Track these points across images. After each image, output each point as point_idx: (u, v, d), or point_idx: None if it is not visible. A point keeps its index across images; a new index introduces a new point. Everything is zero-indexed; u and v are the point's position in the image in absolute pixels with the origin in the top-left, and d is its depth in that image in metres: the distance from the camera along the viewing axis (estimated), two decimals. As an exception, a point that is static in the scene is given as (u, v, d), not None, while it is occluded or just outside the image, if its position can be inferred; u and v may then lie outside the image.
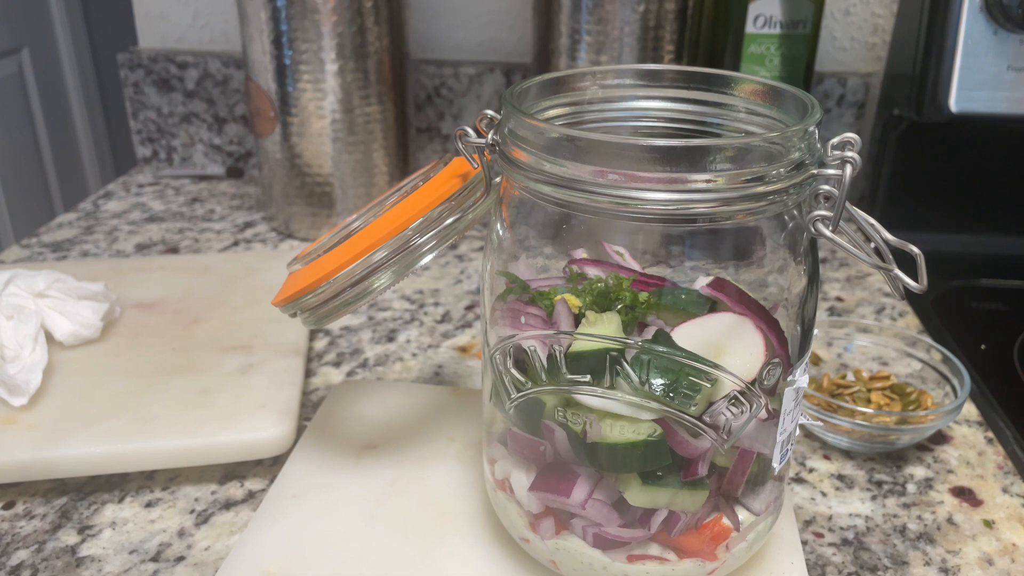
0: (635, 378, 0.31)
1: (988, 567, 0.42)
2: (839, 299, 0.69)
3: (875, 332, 0.56)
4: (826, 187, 0.31)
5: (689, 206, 0.29)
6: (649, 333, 0.33)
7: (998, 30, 0.68)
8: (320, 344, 0.61)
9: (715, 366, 0.32)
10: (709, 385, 0.32)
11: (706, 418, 0.32)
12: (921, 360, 0.54)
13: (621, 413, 0.32)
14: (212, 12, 0.92)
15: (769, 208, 0.30)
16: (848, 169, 0.30)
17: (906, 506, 0.46)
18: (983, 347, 0.62)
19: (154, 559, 0.42)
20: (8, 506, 0.45)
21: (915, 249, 0.31)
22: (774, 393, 0.33)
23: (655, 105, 0.37)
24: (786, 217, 0.32)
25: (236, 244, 0.78)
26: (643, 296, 0.33)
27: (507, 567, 0.39)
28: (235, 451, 0.46)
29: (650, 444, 0.32)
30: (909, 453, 0.50)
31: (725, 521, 0.35)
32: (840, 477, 0.48)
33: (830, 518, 0.45)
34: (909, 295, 0.38)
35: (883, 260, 0.32)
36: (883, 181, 0.80)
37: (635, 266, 0.35)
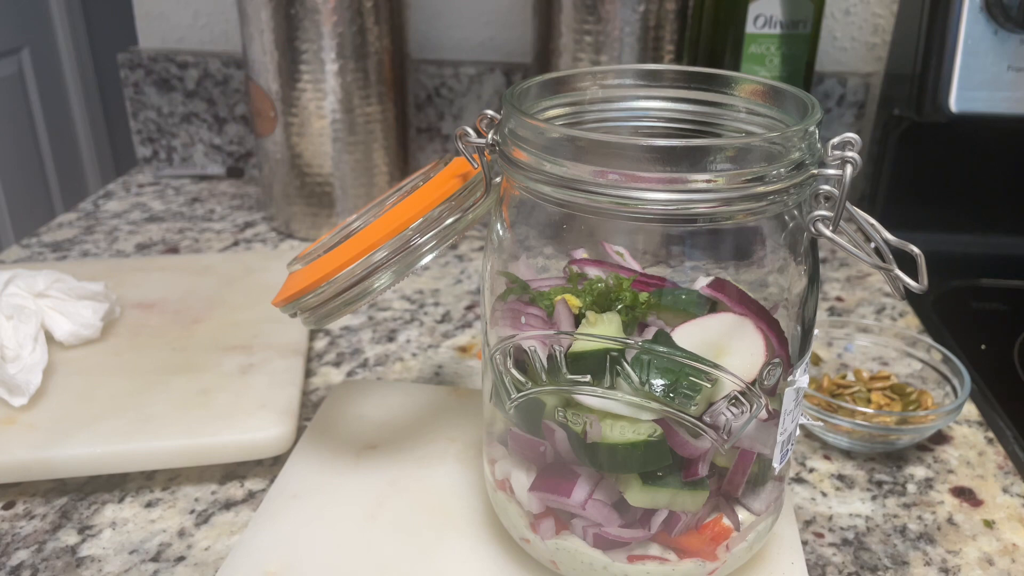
0: (635, 378, 0.31)
1: (988, 567, 0.42)
2: (839, 299, 0.69)
3: (875, 332, 0.56)
4: (826, 187, 0.31)
5: (689, 206, 0.29)
6: (649, 333, 0.33)
7: (998, 30, 0.68)
8: (320, 344, 0.61)
9: (715, 366, 0.32)
10: (709, 385, 0.32)
11: (706, 418, 0.32)
12: (921, 360, 0.54)
13: (621, 413, 0.32)
14: (212, 12, 0.92)
15: (769, 208, 0.30)
16: (848, 169, 0.30)
17: (906, 506, 0.46)
18: (983, 347, 0.62)
19: (154, 559, 0.42)
20: (8, 506, 0.45)
21: (915, 249, 0.31)
22: (774, 393, 0.33)
23: (655, 105, 0.37)
24: (786, 217, 0.32)
25: (236, 244, 0.78)
26: (643, 296, 0.33)
27: (507, 567, 0.39)
28: (235, 451, 0.46)
29: (650, 444, 0.32)
30: (909, 453, 0.50)
31: (725, 521, 0.35)
32: (840, 477, 0.48)
33: (830, 518, 0.45)
34: (909, 295, 0.38)
35: (883, 260, 0.32)
36: (883, 181, 0.80)
37: (635, 266, 0.35)
